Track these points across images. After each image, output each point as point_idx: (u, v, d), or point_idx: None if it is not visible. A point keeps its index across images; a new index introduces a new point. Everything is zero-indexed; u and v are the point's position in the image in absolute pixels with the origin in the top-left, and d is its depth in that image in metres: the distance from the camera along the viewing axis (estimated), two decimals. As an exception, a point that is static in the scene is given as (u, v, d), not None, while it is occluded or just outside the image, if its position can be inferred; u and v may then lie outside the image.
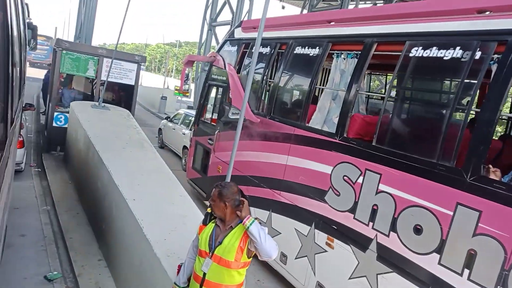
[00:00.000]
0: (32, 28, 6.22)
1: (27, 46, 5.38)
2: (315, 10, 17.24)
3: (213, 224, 2.55)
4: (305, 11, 18.17)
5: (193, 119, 9.99)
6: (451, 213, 2.90)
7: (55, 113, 8.45)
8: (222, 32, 17.36)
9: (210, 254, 2.42)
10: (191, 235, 3.43)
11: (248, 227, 2.34)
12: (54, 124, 8.46)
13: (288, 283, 4.69)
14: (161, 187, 4.41)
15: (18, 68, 3.12)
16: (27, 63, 11.45)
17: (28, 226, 5.20)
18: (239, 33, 6.51)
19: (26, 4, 5.73)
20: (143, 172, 4.71)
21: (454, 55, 3.09)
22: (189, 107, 16.87)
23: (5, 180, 1.89)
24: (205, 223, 2.60)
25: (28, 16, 6.27)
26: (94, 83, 9.44)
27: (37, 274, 4.21)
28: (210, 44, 18.09)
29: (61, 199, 6.09)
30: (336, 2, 20.43)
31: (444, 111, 3.28)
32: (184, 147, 10.06)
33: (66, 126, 8.14)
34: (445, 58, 3.16)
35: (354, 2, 18.32)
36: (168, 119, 11.80)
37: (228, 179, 2.94)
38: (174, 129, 11.09)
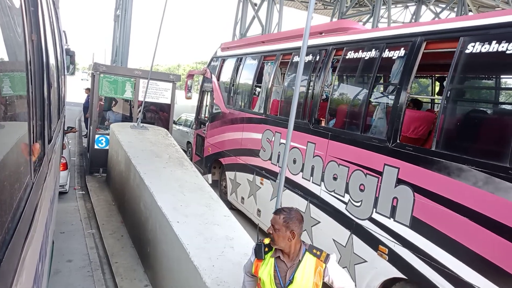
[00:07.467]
0: (71, 55, 6.39)
1: (65, 71, 5.48)
2: (345, 17, 17.07)
3: (272, 258, 2.14)
4: (335, 19, 18.02)
5: (192, 120, 12.57)
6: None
7: (96, 136, 8.62)
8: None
9: None
10: (239, 260, 3.19)
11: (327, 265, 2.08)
12: (95, 146, 8.61)
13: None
14: (204, 207, 4.23)
15: (56, 90, 3.08)
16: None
17: (74, 250, 5.18)
18: (219, 52, 8.71)
19: (64, 31, 5.88)
20: (185, 191, 4.57)
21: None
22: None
23: (45, 199, 1.77)
24: (261, 257, 2.18)
25: (66, 42, 6.45)
26: (132, 104, 9.60)
27: (85, 302, 4.12)
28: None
29: (105, 221, 6.08)
30: (366, 8, 20.04)
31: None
32: (188, 142, 12.38)
33: (107, 148, 8.27)
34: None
35: (385, 7, 17.83)
36: (173, 122, 13.41)
37: (281, 187, 2.83)
38: (178, 129, 13.10)
